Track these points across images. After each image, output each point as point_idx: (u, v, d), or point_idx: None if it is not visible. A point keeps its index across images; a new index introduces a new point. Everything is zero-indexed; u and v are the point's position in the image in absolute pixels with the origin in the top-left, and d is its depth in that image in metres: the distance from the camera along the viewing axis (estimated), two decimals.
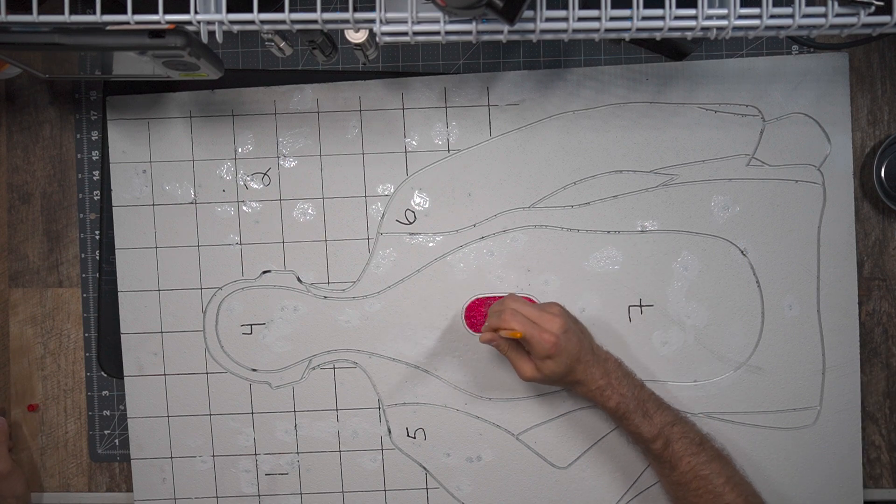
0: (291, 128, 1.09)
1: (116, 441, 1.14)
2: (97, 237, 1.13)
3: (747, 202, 1.07)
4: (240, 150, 1.09)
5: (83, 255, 1.13)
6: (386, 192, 1.09)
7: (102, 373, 1.14)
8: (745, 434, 1.08)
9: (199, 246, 1.10)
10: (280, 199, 1.09)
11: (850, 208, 1.07)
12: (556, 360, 0.95)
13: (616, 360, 1.02)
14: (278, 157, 1.09)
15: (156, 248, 1.10)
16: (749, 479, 1.01)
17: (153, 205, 1.10)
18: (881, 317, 1.11)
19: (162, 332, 1.10)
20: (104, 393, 1.14)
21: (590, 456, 1.09)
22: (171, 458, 1.11)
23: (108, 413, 1.14)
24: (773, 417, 1.08)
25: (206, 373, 1.10)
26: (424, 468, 1.10)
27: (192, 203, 1.09)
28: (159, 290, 1.10)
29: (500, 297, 1.07)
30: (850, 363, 1.08)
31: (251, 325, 1.10)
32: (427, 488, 1.11)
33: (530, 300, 1.07)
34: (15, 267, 1.15)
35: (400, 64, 1.11)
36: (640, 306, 1.08)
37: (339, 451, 1.11)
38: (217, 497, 1.11)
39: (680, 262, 1.08)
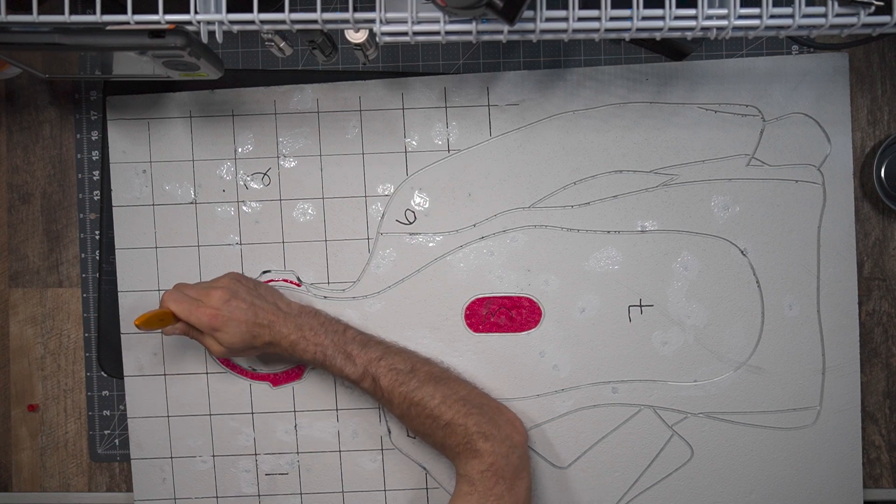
0: (291, 128, 1.10)
1: (116, 441, 1.14)
2: (97, 237, 1.13)
3: (747, 202, 1.07)
4: (240, 150, 1.10)
5: (83, 255, 1.14)
6: (386, 192, 1.10)
7: (102, 373, 1.14)
8: (745, 434, 1.09)
9: (199, 246, 1.10)
10: (280, 199, 1.10)
11: (850, 208, 1.07)
12: (225, 331, 0.97)
13: (312, 311, 1.05)
14: (278, 157, 1.10)
15: (156, 248, 1.10)
16: (479, 388, 1.07)
17: (153, 205, 1.10)
18: (881, 317, 1.11)
19: (162, 332, 1.10)
20: (104, 393, 1.14)
21: (590, 456, 1.10)
22: (171, 458, 1.12)
23: (108, 413, 1.15)
24: (773, 417, 1.08)
25: (206, 373, 1.11)
26: (424, 468, 1.11)
27: (192, 203, 1.10)
28: (159, 290, 1.11)
29: (500, 297, 1.08)
30: (850, 363, 1.08)
31: None
32: (427, 488, 1.11)
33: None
34: (15, 267, 1.15)
35: (400, 64, 1.11)
36: (640, 306, 1.09)
37: (340, 451, 1.11)
38: (217, 497, 1.12)
39: (680, 262, 1.08)
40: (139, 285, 1.10)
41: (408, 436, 1.10)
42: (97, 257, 1.14)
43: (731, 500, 1.10)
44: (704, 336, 1.08)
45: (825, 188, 1.07)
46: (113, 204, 1.10)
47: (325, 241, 1.10)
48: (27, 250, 1.15)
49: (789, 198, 1.07)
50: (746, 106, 1.07)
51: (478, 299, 1.10)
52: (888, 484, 1.13)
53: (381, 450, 1.11)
